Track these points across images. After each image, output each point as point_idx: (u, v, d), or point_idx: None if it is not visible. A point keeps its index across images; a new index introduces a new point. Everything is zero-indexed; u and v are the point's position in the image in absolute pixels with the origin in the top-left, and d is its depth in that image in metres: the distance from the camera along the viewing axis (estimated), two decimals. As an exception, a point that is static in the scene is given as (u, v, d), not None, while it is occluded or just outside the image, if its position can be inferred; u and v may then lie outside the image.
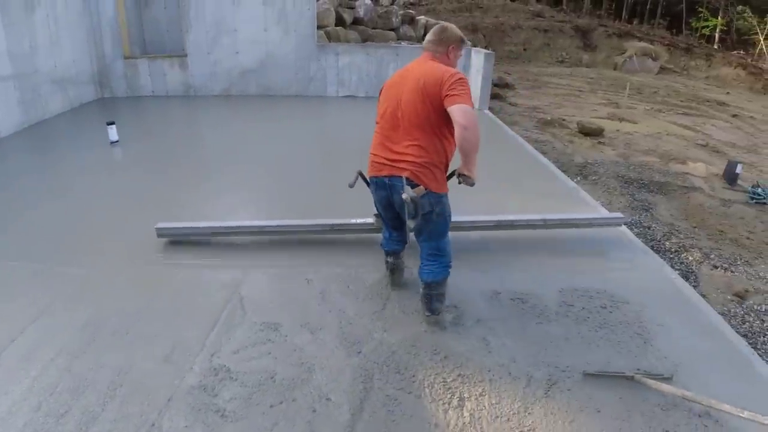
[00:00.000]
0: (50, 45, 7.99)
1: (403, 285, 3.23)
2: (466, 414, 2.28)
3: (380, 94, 2.83)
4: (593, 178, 7.60)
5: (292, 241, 3.81)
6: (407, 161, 2.59)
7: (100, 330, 2.82)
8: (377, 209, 3.05)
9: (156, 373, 2.51)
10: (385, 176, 2.68)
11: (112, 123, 6.48)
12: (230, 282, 3.28)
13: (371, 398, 2.36)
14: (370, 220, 3.68)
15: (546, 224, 3.85)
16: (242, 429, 2.20)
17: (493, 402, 2.35)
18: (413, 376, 2.50)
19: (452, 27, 2.76)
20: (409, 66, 2.76)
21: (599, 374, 2.50)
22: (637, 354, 2.69)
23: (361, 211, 3.69)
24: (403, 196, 2.51)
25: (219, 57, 9.76)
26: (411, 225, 2.65)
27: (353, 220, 3.76)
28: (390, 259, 3.19)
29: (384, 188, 2.74)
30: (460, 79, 2.51)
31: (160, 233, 3.74)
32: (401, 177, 2.59)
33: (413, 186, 2.56)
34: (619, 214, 4.05)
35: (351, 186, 2.91)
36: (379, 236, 3.34)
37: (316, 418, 2.25)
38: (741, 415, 2.02)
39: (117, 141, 6.48)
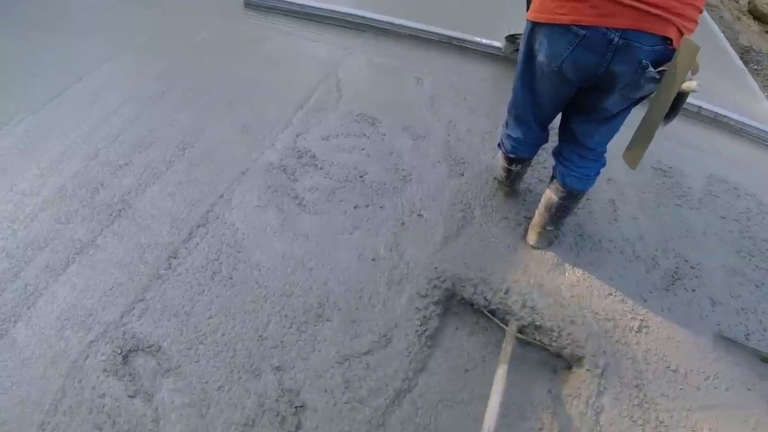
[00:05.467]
0: None
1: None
2: (572, 278, 1.87)
3: None
4: (754, 66, 6.28)
5: (405, 34, 3.19)
6: (672, 12, 1.31)
7: (175, 84, 2.50)
8: (526, 91, 1.69)
9: (231, 142, 2.19)
10: (618, 29, 1.34)
11: None
12: (328, 59, 2.81)
13: (468, 229, 1.97)
14: (498, 44, 3.01)
15: (699, 114, 3.00)
16: (319, 224, 1.89)
17: (607, 275, 1.91)
18: (518, 215, 2.06)
19: None
20: None
21: (732, 340, 1.84)
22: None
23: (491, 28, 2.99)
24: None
25: None
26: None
27: (478, 39, 3.07)
28: (514, 167, 2.04)
29: (600, 51, 1.39)
30: None
31: (248, 1, 3.22)
32: (657, 37, 1.34)
33: (666, 56, 1.37)
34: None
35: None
36: None
37: (403, 231, 1.92)
38: None
39: None
